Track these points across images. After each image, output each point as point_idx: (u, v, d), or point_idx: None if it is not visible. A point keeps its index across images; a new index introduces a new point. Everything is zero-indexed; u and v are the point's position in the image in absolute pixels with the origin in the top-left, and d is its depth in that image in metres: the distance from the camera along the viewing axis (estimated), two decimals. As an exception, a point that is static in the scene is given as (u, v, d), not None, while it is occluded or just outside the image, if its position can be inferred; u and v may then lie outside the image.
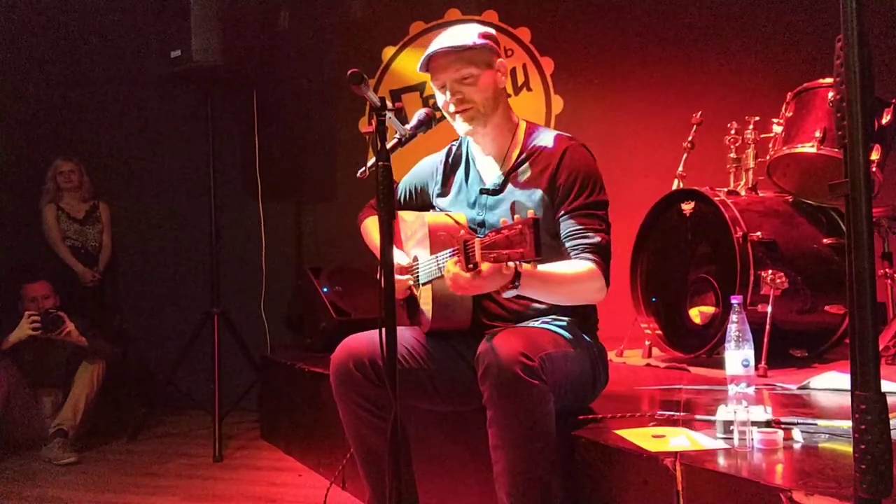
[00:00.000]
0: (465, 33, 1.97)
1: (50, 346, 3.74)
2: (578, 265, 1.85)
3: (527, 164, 2.00)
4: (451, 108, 1.99)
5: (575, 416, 1.93)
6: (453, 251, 1.72)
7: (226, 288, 4.06)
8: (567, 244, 1.90)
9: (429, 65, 1.99)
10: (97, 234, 4.43)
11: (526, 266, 1.59)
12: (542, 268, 1.72)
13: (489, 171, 2.07)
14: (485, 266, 1.62)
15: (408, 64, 4.55)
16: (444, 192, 2.16)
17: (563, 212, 1.92)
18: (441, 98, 2.01)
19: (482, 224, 2.04)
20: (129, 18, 4.63)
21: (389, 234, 1.62)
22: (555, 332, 1.88)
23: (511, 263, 1.64)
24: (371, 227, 2.26)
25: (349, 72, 1.58)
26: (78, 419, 3.60)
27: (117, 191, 4.69)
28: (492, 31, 2.04)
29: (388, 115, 1.65)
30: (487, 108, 1.98)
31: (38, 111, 4.65)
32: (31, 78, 4.58)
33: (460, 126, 2.00)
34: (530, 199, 1.96)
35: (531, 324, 1.94)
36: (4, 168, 4.39)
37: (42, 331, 3.63)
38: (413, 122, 1.88)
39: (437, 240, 1.91)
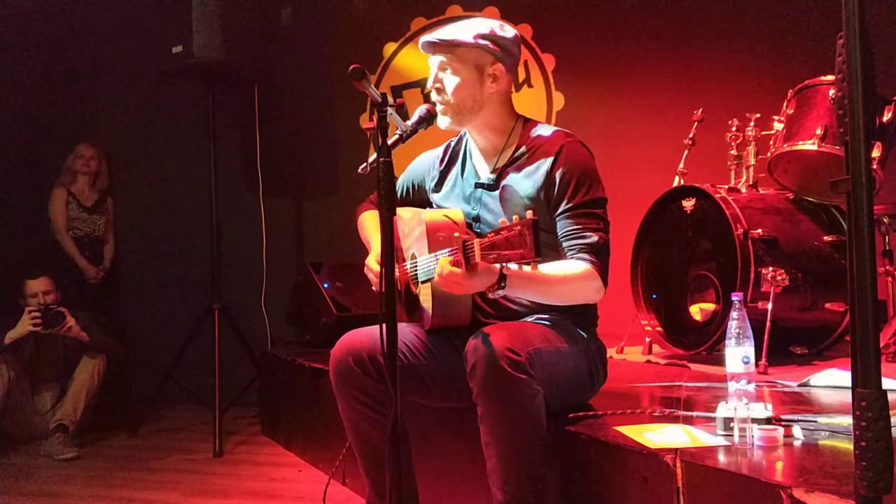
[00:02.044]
0: (464, 29, 1.96)
1: (49, 341, 3.75)
2: (573, 265, 1.83)
3: (523, 159, 1.98)
4: (433, 96, 1.98)
5: (574, 412, 1.93)
6: (452, 251, 1.71)
7: (226, 283, 4.06)
8: (564, 244, 1.88)
9: (427, 48, 2.00)
10: (103, 224, 4.44)
11: (513, 267, 1.58)
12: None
13: (484, 165, 2.06)
14: (479, 262, 1.61)
15: (409, 60, 4.54)
16: (439, 187, 2.15)
17: (560, 210, 1.90)
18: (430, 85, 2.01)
19: (477, 219, 2.03)
20: (130, 14, 4.62)
21: (390, 231, 1.61)
22: (547, 328, 1.87)
23: (498, 265, 1.64)
24: (367, 221, 2.24)
25: (350, 67, 1.58)
26: (78, 414, 3.60)
27: (118, 185, 4.68)
28: (500, 34, 1.96)
29: (390, 111, 1.65)
30: (464, 109, 1.96)
31: (40, 106, 4.64)
32: (33, 73, 4.58)
33: (439, 120, 1.98)
34: (525, 194, 1.94)
35: (525, 320, 1.93)
36: (5, 163, 4.39)
37: (43, 326, 3.62)
38: (414, 118, 1.88)
39: (436, 239, 1.89)
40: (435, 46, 1.96)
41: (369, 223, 2.22)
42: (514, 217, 1.55)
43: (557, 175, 1.90)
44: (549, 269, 1.80)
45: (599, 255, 1.85)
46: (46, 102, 4.67)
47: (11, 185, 4.42)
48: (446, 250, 1.76)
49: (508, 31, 2.00)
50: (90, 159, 4.35)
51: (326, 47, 4.70)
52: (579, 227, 1.87)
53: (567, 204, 1.89)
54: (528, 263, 1.51)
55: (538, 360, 1.72)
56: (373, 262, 2.07)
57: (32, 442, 3.62)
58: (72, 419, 3.57)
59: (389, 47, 4.61)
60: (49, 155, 4.44)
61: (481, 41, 1.94)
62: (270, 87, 4.59)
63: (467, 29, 1.96)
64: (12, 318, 3.64)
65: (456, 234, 1.67)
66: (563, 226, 1.89)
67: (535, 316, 1.95)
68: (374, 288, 2.04)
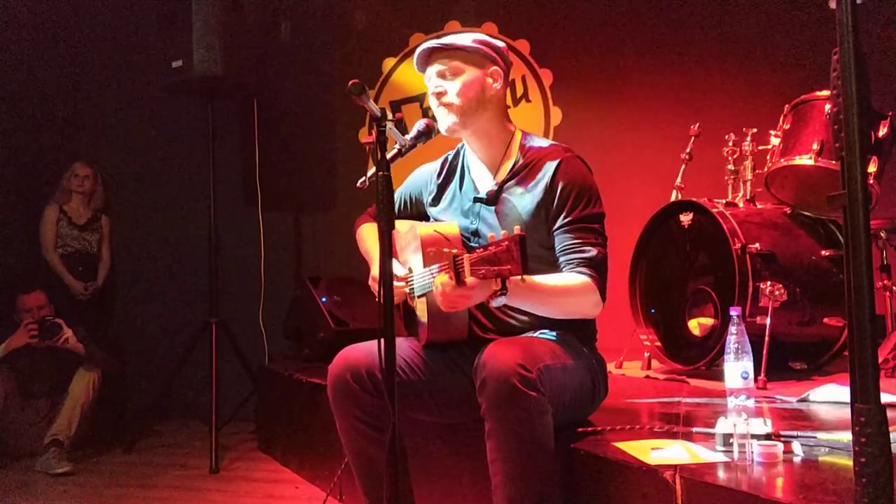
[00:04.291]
0: (461, 37, 2.01)
1: (44, 355, 3.72)
2: (572, 278, 1.83)
3: (522, 174, 1.98)
4: (434, 102, 1.99)
5: (574, 428, 1.92)
6: (442, 266, 1.71)
7: (224, 297, 4.05)
8: (562, 258, 1.88)
9: (423, 62, 2.02)
10: (96, 241, 4.43)
11: (514, 277, 1.58)
12: (533, 278, 1.72)
13: (483, 179, 2.07)
14: (470, 279, 1.62)
15: (408, 75, 4.57)
16: (437, 201, 2.16)
17: (558, 225, 1.90)
18: (430, 94, 2.02)
19: (476, 233, 2.03)
20: (130, 29, 4.65)
21: (389, 245, 1.62)
22: (553, 344, 1.87)
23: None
24: (366, 234, 2.24)
25: (349, 82, 1.59)
26: (73, 429, 3.57)
27: (118, 199, 4.68)
28: (494, 42, 2.03)
29: (388, 125, 1.66)
30: (469, 109, 1.97)
31: (39, 121, 4.65)
32: (32, 88, 4.59)
33: (440, 122, 1.99)
34: (524, 209, 1.95)
35: (529, 335, 1.93)
36: (1, 179, 4.39)
37: (40, 337, 3.61)
38: (413, 132, 1.88)
39: (428, 255, 1.90)
40: (435, 52, 1.99)
41: (369, 236, 2.21)
42: (503, 233, 1.56)
43: (557, 190, 1.91)
44: (549, 280, 1.80)
45: (598, 269, 1.85)
46: (46, 117, 4.68)
47: (6, 202, 4.42)
48: (439, 265, 1.78)
49: (498, 42, 2.06)
50: (85, 179, 4.35)
51: (325, 62, 4.73)
52: (578, 241, 1.87)
53: (565, 218, 1.90)
54: (515, 278, 1.52)
55: (548, 377, 1.72)
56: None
57: (27, 457, 3.59)
58: (66, 434, 3.54)
59: (388, 62, 4.63)
60: (46, 171, 4.44)
61: (480, 46, 1.99)
62: (270, 101, 4.61)
63: (463, 37, 2.01)
64: (6, 335, 3.62)
65: (445, 249, 1.68)
66: (561, 240, 1.90)
67: (538, 331, 1.94)
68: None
